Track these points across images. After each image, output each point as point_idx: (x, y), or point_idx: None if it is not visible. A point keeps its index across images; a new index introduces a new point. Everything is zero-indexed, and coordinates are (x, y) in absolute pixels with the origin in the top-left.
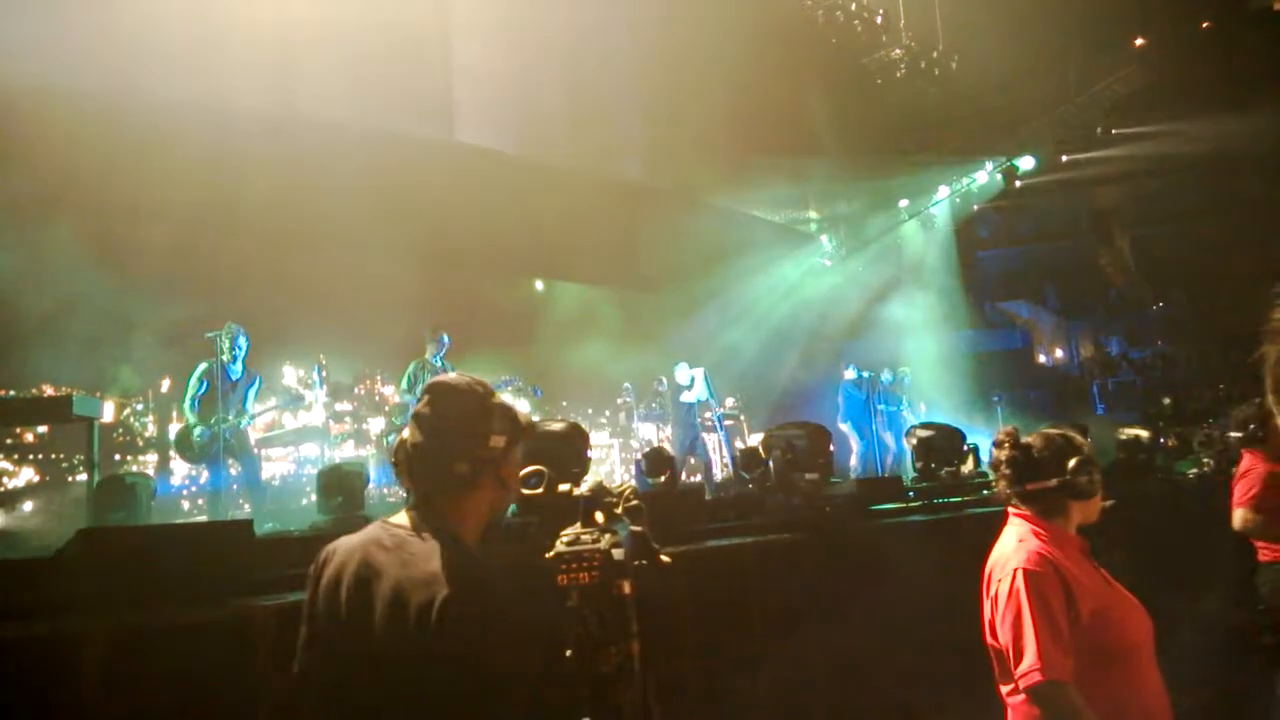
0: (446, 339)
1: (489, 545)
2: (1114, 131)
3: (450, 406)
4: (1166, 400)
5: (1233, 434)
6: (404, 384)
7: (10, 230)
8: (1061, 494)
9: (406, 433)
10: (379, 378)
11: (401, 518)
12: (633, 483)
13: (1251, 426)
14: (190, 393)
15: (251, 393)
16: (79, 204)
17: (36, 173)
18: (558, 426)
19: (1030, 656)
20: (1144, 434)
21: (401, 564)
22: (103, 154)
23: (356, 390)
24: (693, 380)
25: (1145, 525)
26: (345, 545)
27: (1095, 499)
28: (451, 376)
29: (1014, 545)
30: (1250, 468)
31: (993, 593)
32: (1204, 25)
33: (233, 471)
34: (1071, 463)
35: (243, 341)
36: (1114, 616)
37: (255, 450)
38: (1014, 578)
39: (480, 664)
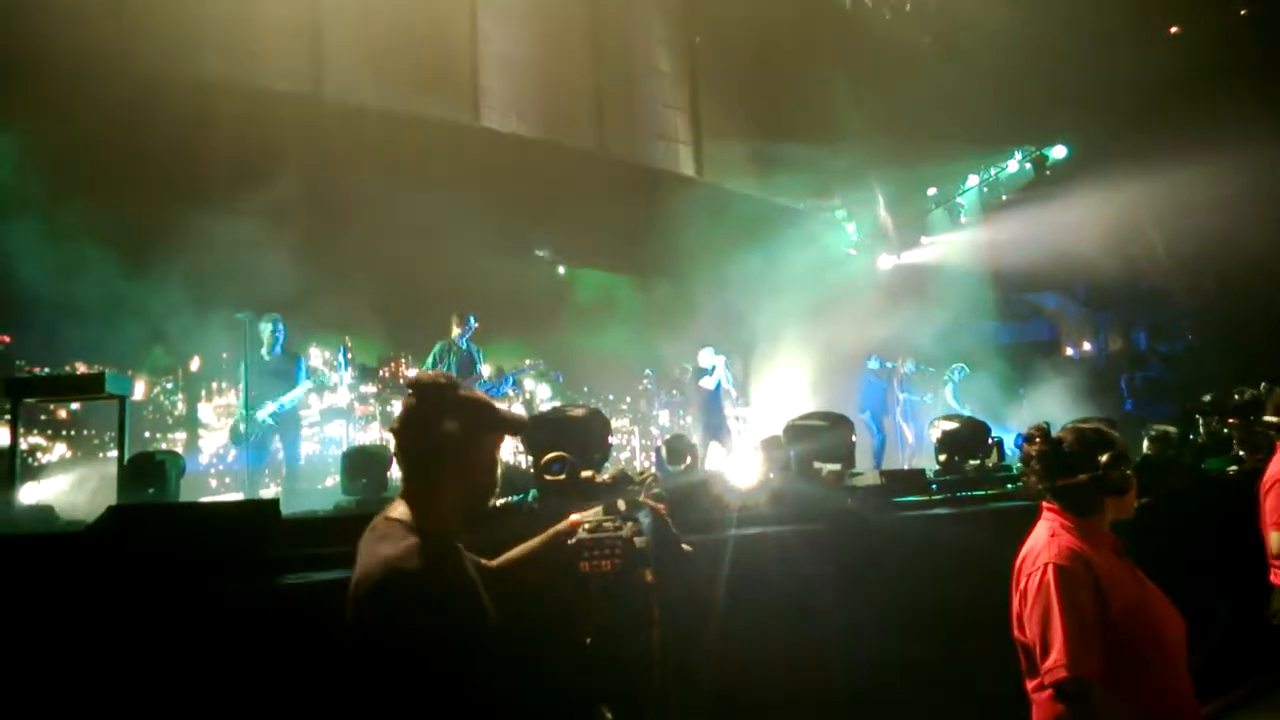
0: (473, 321)
1: (471, 532)
2: (1146, 120)
3: (414, 396)
4: (1207, 397)
5: (1269, 418)
6: (429, 365)
7: (40, 212)
8: (1094, 489)
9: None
10: (404, 359)
11: (394, 501)
12: (654, 470)
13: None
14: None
15: (302, 374)
16: (108, 186)
17: (67, 152)
18: (579, 412)
19: (1057, 652)
20: (1173, 430)
21: (367, 549)
22: (133, 134)
23: (381, 372)
24: (714, 366)
25: (1173, 524)
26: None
27: (1130, 494)
28: (424, 372)
29: (1046, 540)
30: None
31: (1022, 587)
32: (1242, 12)
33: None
34: (1104, 457)
35: (282, 327)
36: (1146, 616)
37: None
38: (1044, 572)
39: (381, 649)
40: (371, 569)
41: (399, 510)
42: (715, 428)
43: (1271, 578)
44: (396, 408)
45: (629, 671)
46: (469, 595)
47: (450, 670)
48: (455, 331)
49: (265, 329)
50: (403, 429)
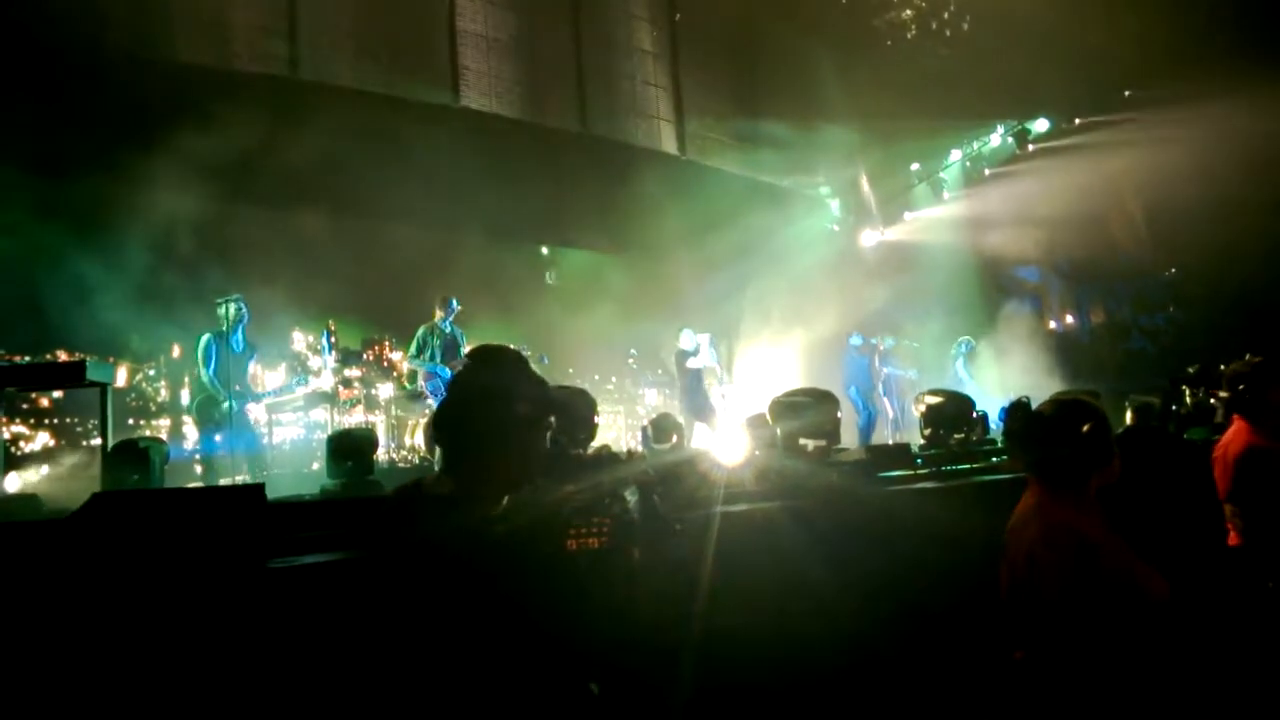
0: (455, 304)
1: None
2: (1129, 94)
3: (481, 371)
4: (1191, 369)
5: (1221, 393)
6: (413, 349)
7: (15, 200)
8: (1077, 460)
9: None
10: (388, 343)
11: (435, 477)
12: (641, 449)
13: (1240, 388)
14: (211, 364)
15: (249, 364)
16: (83, 171)
17: (43, 137)
18: (565, 392)
19: (1053, 614)
20: (1155, 400)
21: (406, 521)
22: (106, 118)
23: (365, 355)
24: (698, 347)
25: (1155, 494)
26: (396, 499)
27: (1113, 464)
28: (491, 344)
29: (1033, 512)
30: (1230, 442)
31: (1011, 559)
32: None
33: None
34: (1085, 428)
35: (244, 313)
36: (1135, 587)
37: (254, 423)
38: (1033, 544)
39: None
40: (428, 545)
41: (444, 485)
42: (699, 407)
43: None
44: (383, 391)
45: (615, 648)
46: (509, 573)
47: (491, 643)
48: (438, 315)
49: (228, 312)
50: (469, 404)
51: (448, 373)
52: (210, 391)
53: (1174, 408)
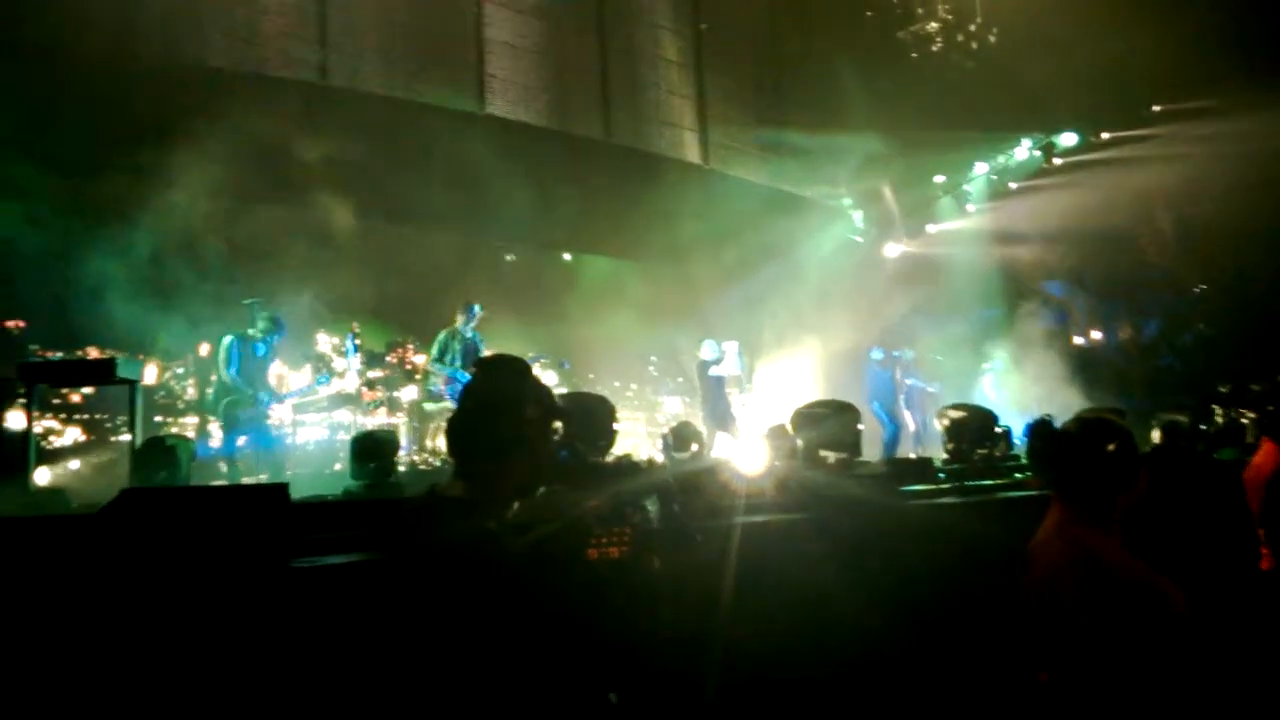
0: (477, 309)
1: (525, 514)
2: (1157, 108)
3: (493, 377)
4: (1224, 387)
5: (1251, 414)
6: (434, 352)
7: (51, 199)
8: (1101, 479)
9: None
10: (411, 346)
11: (448, 483)
12: (662, 458)
13: (1270, 408)
14: (233, 365)
15: (271, 366)
16: (116, 173)
17: (77, 139)
18: (585, 399)
19: (1071, 641)
20: (1184, 419)
21: (421, 527)
22: (139, 121)
23: (389, 358)
24: (723, 355)
25: (1183, 515)
26: (409, 506)
27: (1138, 482)
28: (498, 354)
29: (1056, 531)
30: (1261, 463)
31: (1033, 578)
32: None
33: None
34: (1110, 447)
35: (280, 327)
36: (1157, 610)
37: (282, 422)
38: (1055, 564)
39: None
40: (447, 550)
41: (458, 490)
42: (721, 416)
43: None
44: (406, 394)
45: (636, 658)
46: (529, 580)
47: (511, 651)
48: (459, 320)
49: (260, 319)
50: (481, 411)
51: (466, 377)
52: (234, 392)
53: (1203, 427)
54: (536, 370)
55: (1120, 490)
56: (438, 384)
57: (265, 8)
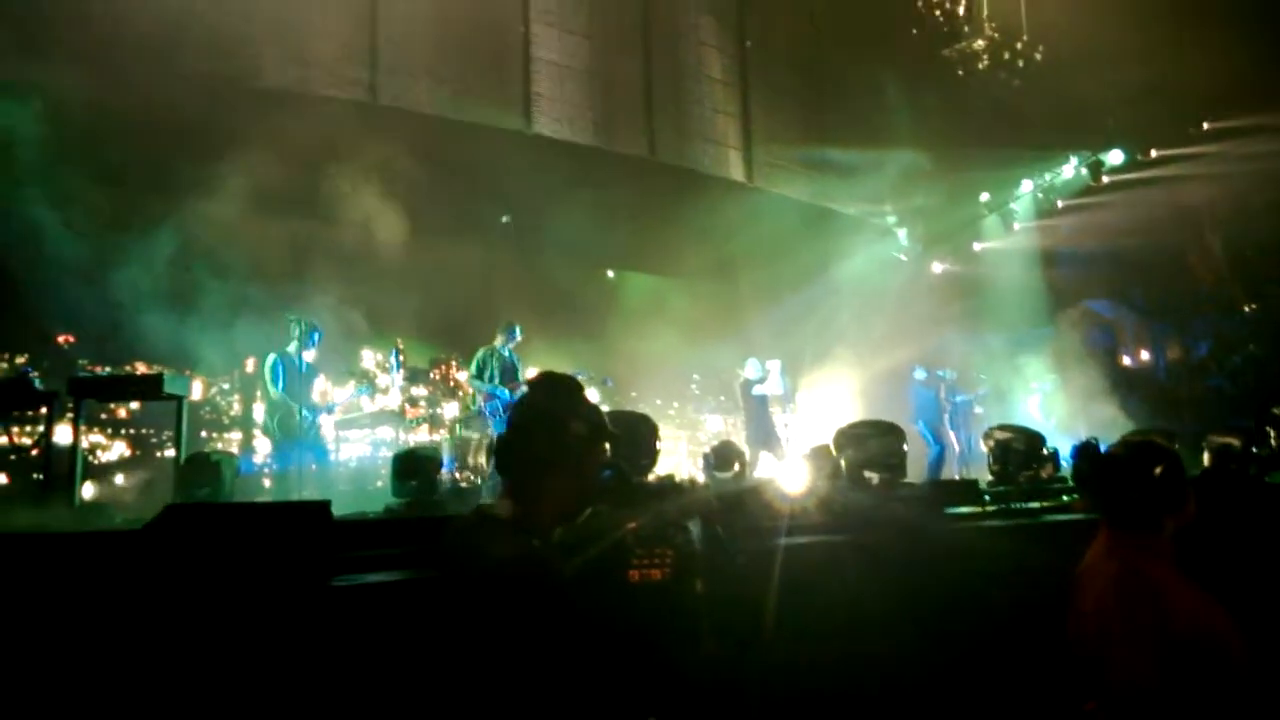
0: (518, 331)
1: (569, 535)
2: (1207, 126)
3: (541, 394)
4: (1277, 410)
5: None
6: (473, 370)
7: (102, 216)
8: (1149, 503)
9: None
10: (455, 363)
11: (495, 500)
12: (705, 479)
13: None
14: (279, 381)
15: (314, 382)
16: (173, 189)
17: (127, 157)
18: (628, 417)
19: (1122, 668)
20: (1235, 442)
21: (468, 546)
22: (189, 139)
23: (432, 375)
24: (766, 374)
25: (1235, 539)
26: (455, 525)
27: (1187, 506)
28: (549, 372)
29: (1103, 556)
30: None
31: (1080, 604)
32: None
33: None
34: (1158, 471)
35: (316, 337)
36: (1208, 637)
37: (325, 438)
38: (1103, 589)
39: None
40: (495, 570)
41: (503, 510)
42: (765, 436)
43: None
44: (449, 410)
45: (677, 680)
46: (577, 602)
47: (556, 672)
48: (499, 340)
49: (297, 331)
50: (529, 426)
51: (506, 394)
52: (284, 409)
53: (1255, 449)
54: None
55: (1168, 513)
56: (478, 400)
57: (317, 29)
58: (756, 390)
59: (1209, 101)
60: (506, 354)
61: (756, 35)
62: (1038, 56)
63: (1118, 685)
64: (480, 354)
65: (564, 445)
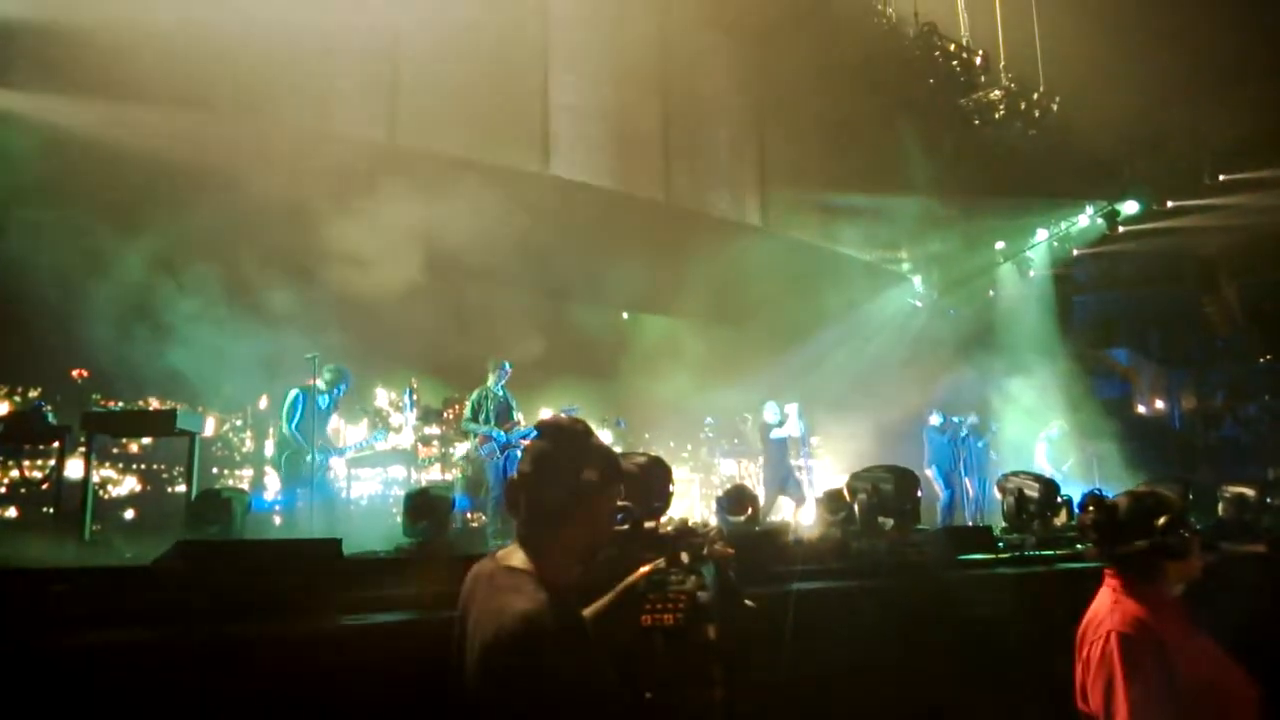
0: (508, 367)
1: (584, 580)
2: (1222, 178)
3: (551, 440)
4: None
5: None
6: (469, 413)
7: (115, 252)
8: (1153, 555)
9: (518, 468)
10: (468, 403)
11: (509, 548)
12: (718, 523)
13: None
14: (294, 419)
15: (330, 420)
16: (185, 229)
17: (142, 196)
18: (641, 460)
19: None
20: (1250, 492)
21: (485, 595)
22: (207, 178)
23: (445, 414)
24: (785, 417)
25: (1247, 590)
26: (471, 572)
27: (1191, 559)
28: (559, 416)
29: (1109, 607)
30: None
31: (1085, 655)
32: None
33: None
34: (1160, 521)
35: (343, 386)
36: (1216, 685)
37: (338, 477)
38: (1107, 640)
39: (539, 700)
40: (509, 624)
41: (518, 559)
42: (783, 480)
43: None
44: (460, 449)
45: None
46: (597, 651)
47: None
48: (490, 379)
49: (325, 375)
50: (539, 474)
51: (502, 436)
52: (293, 446)
53: (1269, 500)
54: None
55: (1171, 563)
56: (475, 444)
57: (339, 71)
58: (775, 434)
59: (1224, 153)
60: (500, 393)
61: (774, 81)
62: (1054, 107)
63: None
64: (474, 396)
65: (575, 492)
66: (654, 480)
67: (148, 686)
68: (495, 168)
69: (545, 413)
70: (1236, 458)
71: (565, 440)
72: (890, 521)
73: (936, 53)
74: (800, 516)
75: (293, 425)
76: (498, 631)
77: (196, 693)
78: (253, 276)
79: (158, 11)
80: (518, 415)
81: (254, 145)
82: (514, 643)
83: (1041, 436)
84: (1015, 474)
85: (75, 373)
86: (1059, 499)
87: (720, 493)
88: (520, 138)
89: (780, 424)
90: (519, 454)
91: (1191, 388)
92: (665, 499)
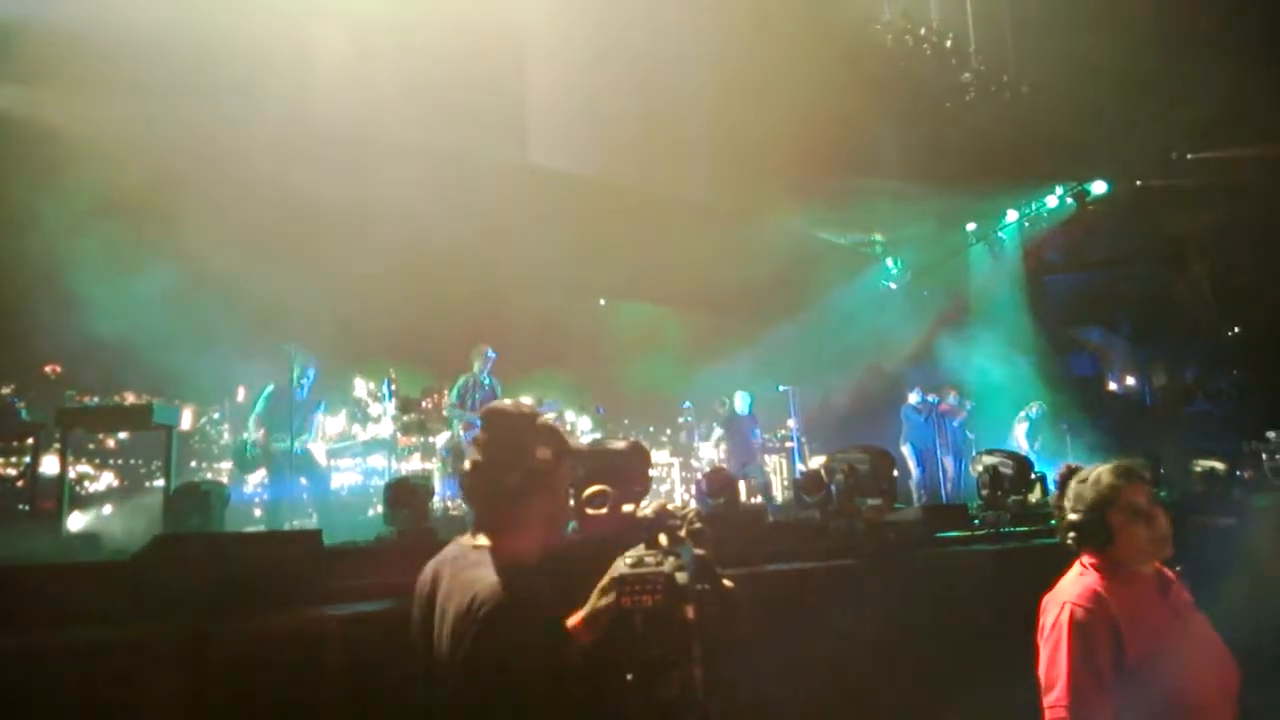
0: (492, 354)
1: (549, 558)
2: (1190, 157)
3: (500, 426)
4: (1272, 434)
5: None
6: (453, 398)
7: (90, 245)
8: (1108, 529)
9: (468, 457)
10: (446, 392)
11: (470, 534)
12: (696, 505)
13: None
14: (255, 410)
15: (316, 417)
16: (163, 219)
17: (120, 187)
18: (620, 445)
19: (1059, 690)
20: (1220, 466)
21: (455, 571)
22: (184, 168)
23: (424, 404)
24: (736, 403)
25: (1213, 562)
26: (433, 560)
27: (1149, 532)
28: (502, 402)
29: (1072, 579)
30: None
31: (1040, 623)
32: None
33: (303, 483)
34: (1117, 496)
35: (311, 372)
36: (1178, 667)
37: (323, 467)
38: (1060, 611)
39: (503, 666)
40: (485, 594)
41: (483, 540)
42: (743, 464)
43: None
44: (440, 439)
45: (669, 708)
46: (560, 626)
47: (552, 698)
48: (477, 365)
49: (294, 366)
50: (494, 460)
51: None
52: (243, 436)
53: (1239, 473)
54: (568, 413)
55: (1132, 541)
56: (458, 429)
57: (315, 62)
58: (731, 422)
59: (1193, 132)
60: (486, 381)
61: (750, 67)
62: (1024, 90)
63: (1056, 703)
64: (460, 381)
65: (526, 476)
66: (633, 465)
67: (128, 681)
68: (472, 157)
69: (526, 400)
70: (1208, 432)
71: (513, 424)
72: (868, 501)
73: (907, 36)
74: (768, 499)
75: (255, 417)
76: (471, 602)
77: (178, 687)
78: (229, 269)
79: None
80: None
81: (230, 135)
82: (486, 611)
83: (1022, 415)
84: (990, 452)
85: (48, 368)
86: (1033, 476)
87: (699, 476)
88: (495, 126)
89: (734, 411)
90: None
91: (1162, 364)
92: (645, 483)
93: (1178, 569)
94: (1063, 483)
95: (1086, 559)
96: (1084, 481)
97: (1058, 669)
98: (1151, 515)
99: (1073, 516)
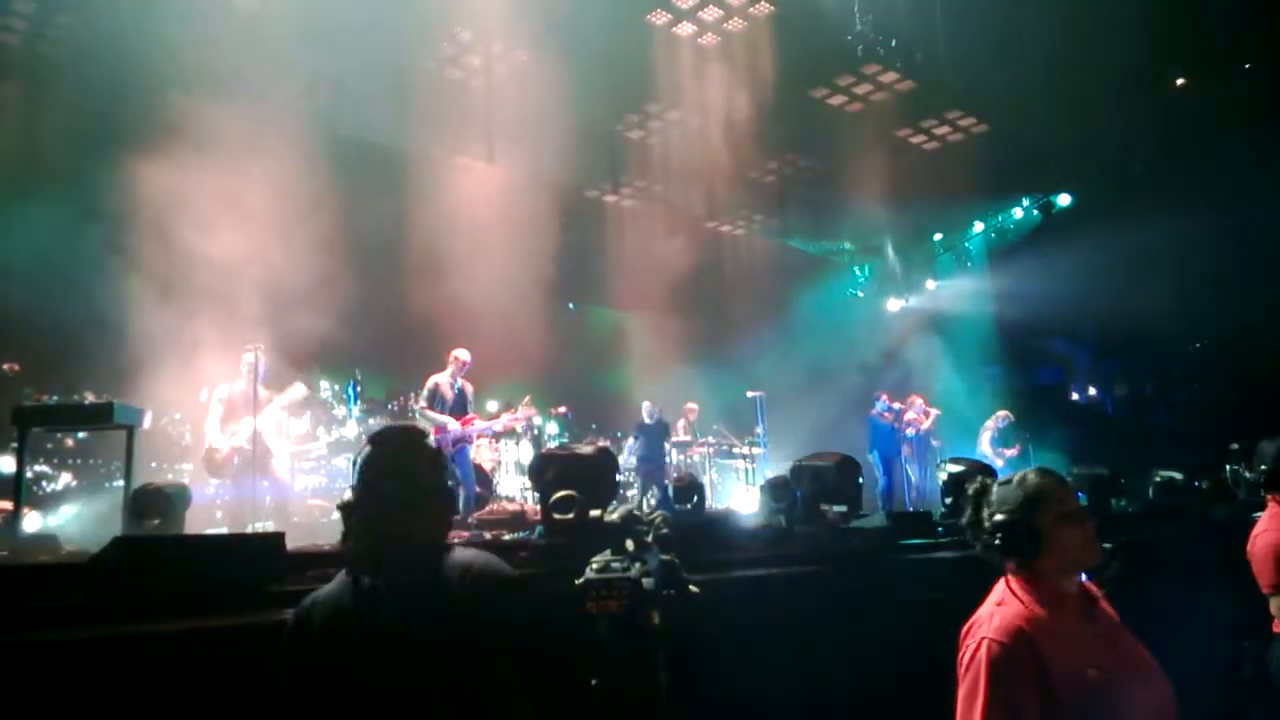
0: (467, 357)
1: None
2: (1154, 169)
3: (388, 450)
4: (1235, 445)
5: (1249, 473)
6: (424, 399)
7: (56, 242)
8: (1037, 533)
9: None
10: (412, 394)
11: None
12: (662, 511)
13: (1263, 467)
14: (217, 414)
15: (269, 411)
16: (125, 218)
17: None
18: (587, 450)
19: None
20: (1178, 476)
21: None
22: (150, 168)
23: (390, 406)
24: (654, 416)
25: (1171, 571)
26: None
27: (1082, 535)
28: (389, 427)
29: (992, 607)
30: (1266, 529)
31: (959, 656)
32: (1246, 66)
33: (266, 485)
34: (1046, 496)
35: (260, 367)
36: (1109, 694)
37: (280, 470)
38: (979, 648)
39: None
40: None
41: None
42: (655, 470)
43: (1275, 626)
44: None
45: (634, 713)
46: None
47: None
48: (450, 369)
49: (245, 364)
50: (380, 480)
51: (457, 428)
52: (215, 439)
53: (1197, 484)
54: (535, 418)
55: (1057, 554)
56: (428, 431)
57: (284, 62)
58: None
59: (1157, 145)
60: (457, 383)
61: (721, 78)
62: (989, 101)
63: None
64: (431, 383)
65: (415, 492)
66: (601, 471)
67: (86, 686)
68: (440, 161)
69: (491, 406)
70: (1168, 444)
71: (401, 444)
72: (833, 508)
73: (880, 49)
74: (739, 505)
75: (212, 421)
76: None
77: (137, 692)
78: (191, 267)
79: None
80: (472, 411)
81: (189, 136)
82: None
83: (989, 425)
84: (954, 460)
85: (5, 366)
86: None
87: (667, 481)
88: (464, 130)
89: (653, 420)
90: (470, 450)
91: (1124, 375)
92: (612, 489)
93: (1102, 577)
94: (977, 497)
95: (1009, 578)
96: (1007, 483)
97: (973, 714)
98: (1081, 516)
99: (1000, 517)
